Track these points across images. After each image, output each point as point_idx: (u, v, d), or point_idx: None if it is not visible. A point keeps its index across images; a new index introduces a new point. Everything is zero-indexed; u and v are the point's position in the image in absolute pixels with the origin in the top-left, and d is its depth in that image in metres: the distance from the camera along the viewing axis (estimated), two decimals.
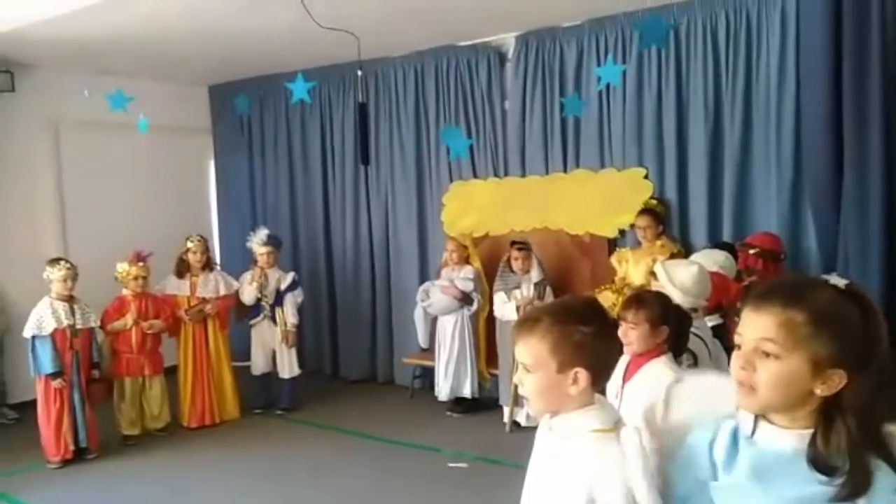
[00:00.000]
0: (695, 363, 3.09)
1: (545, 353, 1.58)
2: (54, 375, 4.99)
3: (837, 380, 1.23)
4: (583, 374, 1.57)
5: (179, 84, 7.49)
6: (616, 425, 1.57)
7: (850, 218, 4.01)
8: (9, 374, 6.21)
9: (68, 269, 5.11)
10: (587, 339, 1.56)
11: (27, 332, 5.00)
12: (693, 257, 4.02)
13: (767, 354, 1.27)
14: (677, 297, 3.01)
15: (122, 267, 5.50)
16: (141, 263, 5.52)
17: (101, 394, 5.36)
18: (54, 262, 5.16)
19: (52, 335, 4.99)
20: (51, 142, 6.72)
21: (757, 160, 5.04)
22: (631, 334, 2.61)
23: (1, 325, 6.15)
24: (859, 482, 1.19)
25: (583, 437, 1.56)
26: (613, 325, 1.69)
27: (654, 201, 5.34)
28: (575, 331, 1.57)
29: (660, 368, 2.59)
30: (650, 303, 2.70)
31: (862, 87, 3.86)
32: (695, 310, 3.15)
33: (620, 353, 1.70)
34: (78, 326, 5.10)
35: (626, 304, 2.75)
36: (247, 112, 7.56)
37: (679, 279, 3.17)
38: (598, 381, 1.62)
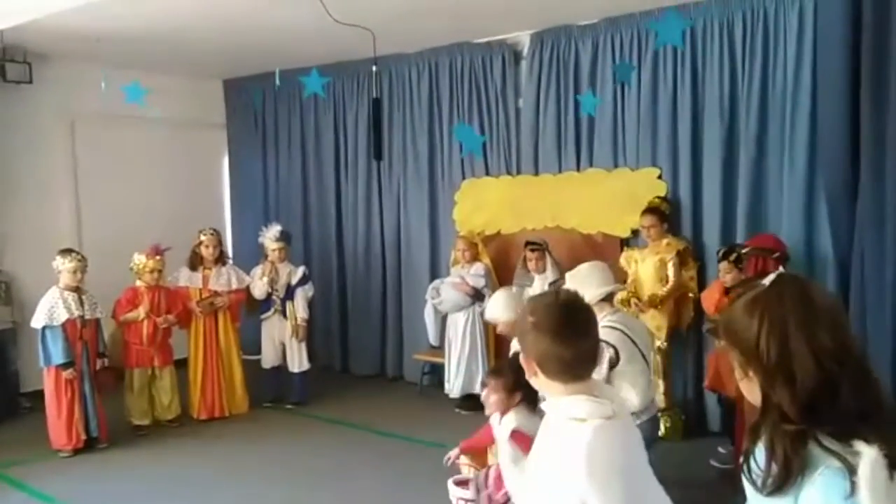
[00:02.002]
0: (616, 355, 3.41)
1: (516, 336, 1.78)
2: (65, 366, 5.02)
3: (752, 379, 1.29)
4: (531, 363, 1.68)
5: (194, 78, 7.53)
6: (593, 418, 1.61)
7: (865, 218, 3.98)
8: (22, 364, 6.27)
9: (79, 260, 5.14)
10: (528, 328, 1.67)
11: (37, 323, 5.03)
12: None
13: None
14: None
15: (140, 259, 5.52)
16: (158, 257, 5.54)
17: (110, 382, 5.40)
18: (65, 252, 5.19)
19: (63, 326, 5.03)
20: (67, 133, 6.78)
21: (771, 161, 5.01)
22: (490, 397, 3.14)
23: (16, 316, 6.20)
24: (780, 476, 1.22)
25: (563, 422, 1.65)
26: (571, 321, 1.66)
27: (657, 200, 5.32)
28: (523, 319, 1.71)
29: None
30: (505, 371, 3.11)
31: (881, 86, 3.83)
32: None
33: (579, 350, 1.65)
34: (87, 317, 5.14)
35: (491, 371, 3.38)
36: (262, 101, 7.63)
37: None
38: (551, 373, 1.66)
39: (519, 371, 2.89)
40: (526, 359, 1.69)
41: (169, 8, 5.12)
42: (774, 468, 1.21)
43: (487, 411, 3.24)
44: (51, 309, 5.02)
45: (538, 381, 1.70)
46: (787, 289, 1.27)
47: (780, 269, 4.45)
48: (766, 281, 1.30)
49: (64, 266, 5.10)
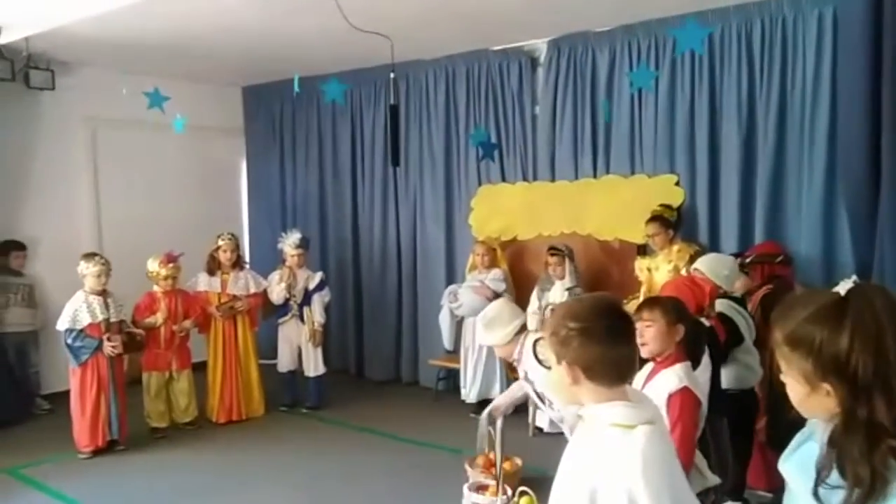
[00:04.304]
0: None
1: (550, 347, 1.69)
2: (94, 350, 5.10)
3: (826, 392, 1.25)
4: (575, 370, 1.64)
5: (213, 85, 7.61)
6: (640, 424, 1.60)
7: (886, 227, 3.94)
8: (43, 367, 6.35)
9: (102, 264, 5.21)
10: (572, 335, 1.63)
11: (61, 325, 5.10)
12: (700, 260, 4.06)
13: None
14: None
15: (153, 267, 5.58)
16: (171, 264, 5.59)
17: (133, 347, 5.40)
18: (89, 256, 5.26)
19: (87, 329, 5.09)
20: (88, 139, 6.87)
21: (790, 168, 4.99)
22: (647, 333, 2.68)
23: (38, 321, 6.27)
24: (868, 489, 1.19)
25: (604, 429, 1.63)
26: (618, 325, 1.68)
27: (660, 208, 5.29)
28: (562, 326, 1.66)
29: (668, 376, 2.63)
30: (664, 301, 2.76)
31: None
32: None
33: (627, 353, 1.68)
34: (112, 320, 5.20)
35: (642, 303, 2.82)
36: (279, 108, 7.70)
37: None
38: (598, 378, 1.65)
39: (681, 304, 2.84)
40: (567, 366, 1.65)
41: (189, 16, 5.19)
42: (861, 484, 1.18)
43: (645, 352, 2.69)
44: (75, 312, 5.09)
45: (578, 388, 1.67)
46: (877, 300, 1.23)
47: (788, 272, 4.51)
48: (841, 290, 1.26)
49: (88, 270, 5.17)
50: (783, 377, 1.32)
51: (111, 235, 6.91)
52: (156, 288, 5.62)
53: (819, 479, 1.24)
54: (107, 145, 6.96)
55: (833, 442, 1.23)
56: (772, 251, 4.59)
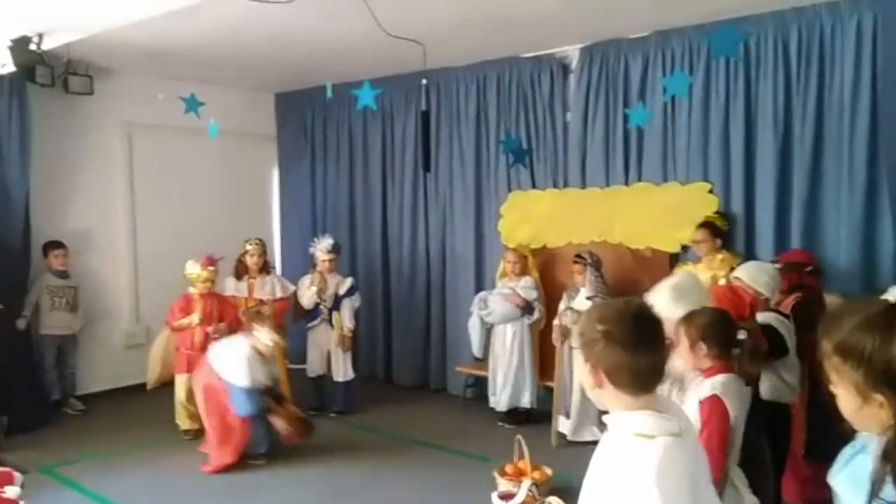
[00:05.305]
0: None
1: (580, 344, 1.67)
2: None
3: (879, 403, 1.21)
4: (599, 373, 1.62)
5: (247, 91, 7.70)
6: (662, 435, 1.57)
7: None
8: (79, 368, 6.43)
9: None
10: (597, 337, 1.61)
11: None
12: (739, 269, 4.00)
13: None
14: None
15: (193, 269, 5.63)
16: (211, 267, 5.65)
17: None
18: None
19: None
20: (124, 142, 6.97)
21: (828, 175, 4.90)
22: (677, 349, 2.66)
23: (76, 324, 6.32)
24: None
25: (626, 437, 1.60)
26: (644, 331, 1.63)
27: (713, 215, 5.22)
28: (589, 328, 1.64)
29: (704, 386, 2.62)
30: (692, 318, 2.72)
31: None
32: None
33: (652, 361, 1.63)
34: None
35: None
36: (311, 114, 7.80)
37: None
38: (621, 384, 1.61)
39: (713, 319, 2.74)
40: (593, 369, 1.64)
41: (224, 24, 5.25)
42: None
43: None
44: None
45: (603, 392, 1.65)
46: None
47: (817, 282, 4.41)
48: (890, 297, 1.25)
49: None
50: (833, 389, 1.29)
51: (145, 238, 7.02)
52: (192, 290, 5.68)
53: (873, 494, 1.20)
54: (142, 149, 7.06)
55: (888, 455, 1.20)
56: (801, 259, 4.48)
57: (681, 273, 4.06)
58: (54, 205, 6.42)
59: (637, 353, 1.60)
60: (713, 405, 2.56)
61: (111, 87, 6.65)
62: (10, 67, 5.33)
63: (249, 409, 4.90)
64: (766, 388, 3.66)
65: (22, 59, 5.28)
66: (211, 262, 5.66)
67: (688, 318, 2.73)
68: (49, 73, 5.77)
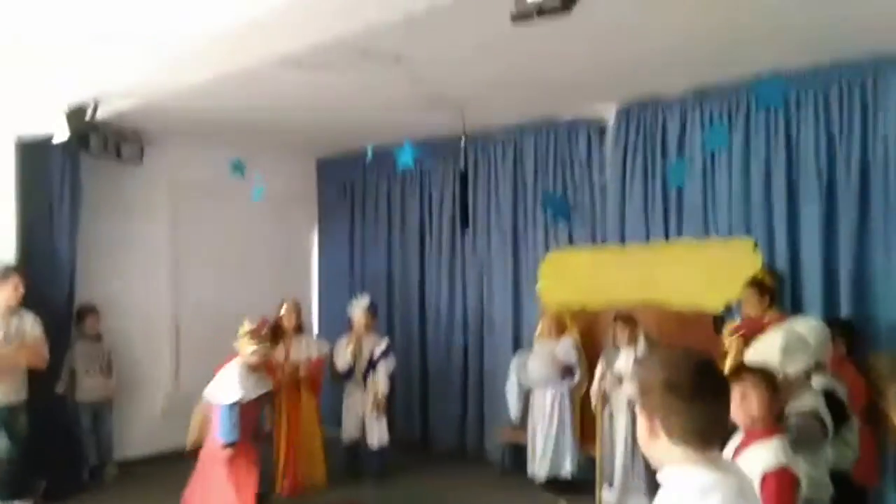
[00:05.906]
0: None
1: (636, 391, 1.57)
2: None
3: None
4: (654, 422, 1.53)
5: (288, 155, 7.84)
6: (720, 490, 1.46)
7: None
8: (115, 432, 6.37)
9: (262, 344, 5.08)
10: (656, 383, 1.52)
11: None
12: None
13: None
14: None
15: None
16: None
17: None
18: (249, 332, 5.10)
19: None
20: (169, 207, 7.09)
21: (875, 231, 4.74)
22: (750, 398, 2.53)
23: (111, 388, 6.29)
24: None
25: (680, 496, 1.51)
26: (708, 382, 1.54)
27: (761, 272, 5.07)
28: (648, 373, 1.55)
29: (762, 452, 2.43)
30: (766, 369, 2.57)
31: None
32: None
33: (715, 414, 1.54)
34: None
35: (742, 367, 2.64)
36: (351, 178, 7.92)
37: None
38: (678, 437, 1.51)
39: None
40: (649, 419, 1.54)
41: (269, 93, 5.40)
42: None
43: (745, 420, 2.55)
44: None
45: (658, 444, 1.54)
46: None
47: None
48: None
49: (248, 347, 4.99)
50: None
51: (186, 303, 7.08)
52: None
53: None
54: (186, 212, 7.18)
55: None
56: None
57: (784, 330, 3.74)
58: (98, 269, 6.48)
59: (703, 403, 1.50)
60: (782, 479, 2.39)
61: (159, 153, 6.80)
62: (64, 135, 5.26)
63: (234, 436, 4.71)
64: (830, 457, 3.37)
65: (77, 127, 5.24)
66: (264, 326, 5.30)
67: (765, 370, 2.62)
68: (102, 141, 5.91)
